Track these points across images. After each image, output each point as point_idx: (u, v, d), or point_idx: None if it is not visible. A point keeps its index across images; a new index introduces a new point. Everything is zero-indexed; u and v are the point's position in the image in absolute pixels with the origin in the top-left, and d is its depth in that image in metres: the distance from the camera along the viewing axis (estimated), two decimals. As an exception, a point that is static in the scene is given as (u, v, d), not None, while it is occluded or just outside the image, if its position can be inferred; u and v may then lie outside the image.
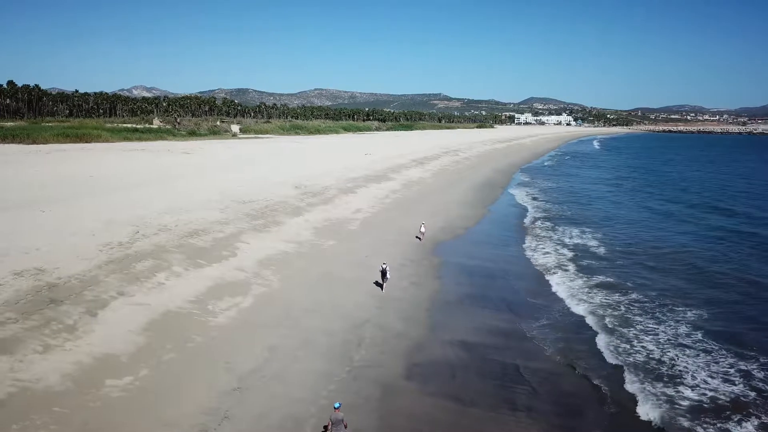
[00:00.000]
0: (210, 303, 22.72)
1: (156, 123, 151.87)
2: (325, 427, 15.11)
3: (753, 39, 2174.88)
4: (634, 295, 27.97)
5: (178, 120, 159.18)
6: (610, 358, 21.09)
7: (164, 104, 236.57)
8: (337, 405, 15.00)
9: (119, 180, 46.34)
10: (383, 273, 27.30)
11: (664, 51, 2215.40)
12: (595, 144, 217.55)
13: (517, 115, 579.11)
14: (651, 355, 21.24)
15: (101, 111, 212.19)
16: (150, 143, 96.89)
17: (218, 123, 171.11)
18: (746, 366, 20.50)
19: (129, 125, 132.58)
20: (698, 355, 21.29)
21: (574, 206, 56.86)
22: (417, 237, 37.68)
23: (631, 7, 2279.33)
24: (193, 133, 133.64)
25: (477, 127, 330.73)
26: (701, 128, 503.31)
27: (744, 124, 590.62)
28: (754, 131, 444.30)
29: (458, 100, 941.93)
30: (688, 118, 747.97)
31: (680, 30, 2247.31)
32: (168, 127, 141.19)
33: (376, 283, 27.84)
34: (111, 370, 16.77)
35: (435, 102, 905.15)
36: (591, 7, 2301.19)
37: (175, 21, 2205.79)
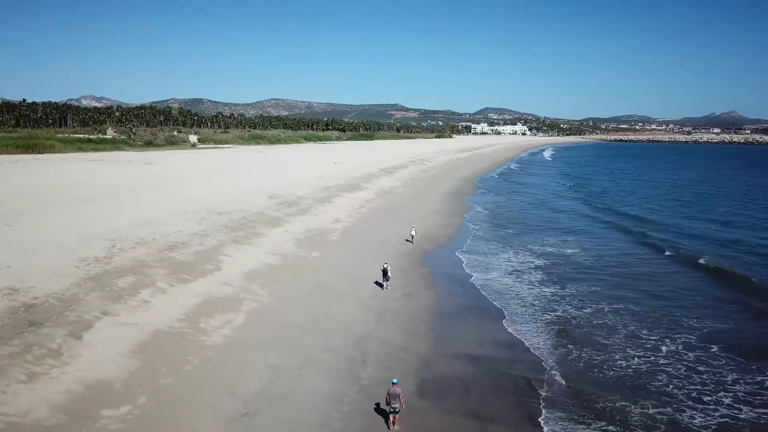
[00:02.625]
0: (201, 321, 21.29)
1: (110, 133, 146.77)
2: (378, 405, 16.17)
3: (695, 53, 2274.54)
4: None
5: (134, 130, 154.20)
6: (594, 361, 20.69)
7: (117, 114, 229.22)
8: (395, 381, 16.40)
9: (85, 192, 43.95)
10: (384, 272, 27.96)
11: (613, 63, 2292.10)
12: (547, 154, 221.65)
13: (473, 126, 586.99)
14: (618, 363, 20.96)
15: (50, 121, 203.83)
16: (107, 154, 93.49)
17: (175, 133, 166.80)
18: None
19: (82, 136, 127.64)
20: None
21: (540, 213, 57.10)
22: (407, 240, 38.78)
23: (580, 22, 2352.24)
24: (149, 144, 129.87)
25: (436, 137, 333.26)
26: (650, 137, 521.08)
27: (689, 133, 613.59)
28: (700, 140, 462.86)
29: (415, 110, 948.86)
30: (637, 127, 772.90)
31: (627, 43, 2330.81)
32: (123, 137, 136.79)
33: (377, 283, 27.90)
34: (105, 398, 15.25)
35: (392, 112, 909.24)
36: (543, 21, 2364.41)
37: (126, 30, 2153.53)
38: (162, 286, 23.61)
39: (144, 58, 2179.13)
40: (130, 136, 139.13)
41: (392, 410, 16.00)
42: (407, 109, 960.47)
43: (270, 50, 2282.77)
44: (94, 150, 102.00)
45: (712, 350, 22.45)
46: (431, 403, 17.75)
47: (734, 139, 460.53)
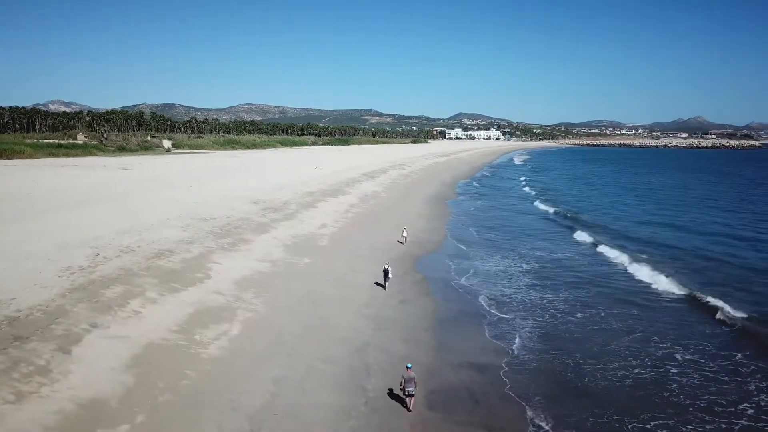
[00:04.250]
0: (196, 332, 20.33)
1: (81, 138, 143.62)
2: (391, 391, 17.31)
3: (662, 59, 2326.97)
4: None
5: (105, 135, 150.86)
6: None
7: (88, 119, 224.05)
8: (409, 366, 17.51)
9: (62, 198, 42.34)
10: (385, 273, 28.41)
11: (583, 69, 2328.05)
12: (524, 159, 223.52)
13: (448, 131, 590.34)
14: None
15: (18, 126, 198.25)
16: (79, 159, 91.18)
17: (148, 138, 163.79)
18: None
19: (52, 141, 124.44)
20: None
21: (524, 218, 57.10)
22: (399, 241, 39.66)
23: (551, 29, 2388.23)
24: (122, 149, 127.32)
25: (412, 142, 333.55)
26: (621, 142, 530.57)
27: (658, 137, 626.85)
28: (669, 144, 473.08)
29: (389, 115, 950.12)
30: (608, 132, 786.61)
31: (596, 50, 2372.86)
32: (94, 142, 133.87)
33: (377, 284, 27.91)
34: (101, 418, 14.28)
35: (367, 117, 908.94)
36: (514, 28, 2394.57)
37: (95, 33, 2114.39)
38: (152, 296, 22.56)
39: (113, 62, 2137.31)
40: (101, 141, 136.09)
41: (408, 394, 16.96)
42: (381, 115, 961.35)
43: (243, 55, 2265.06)
44: (66, 155, 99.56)
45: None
46: (441, 414, 17.13)
47: (702, 144, 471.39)
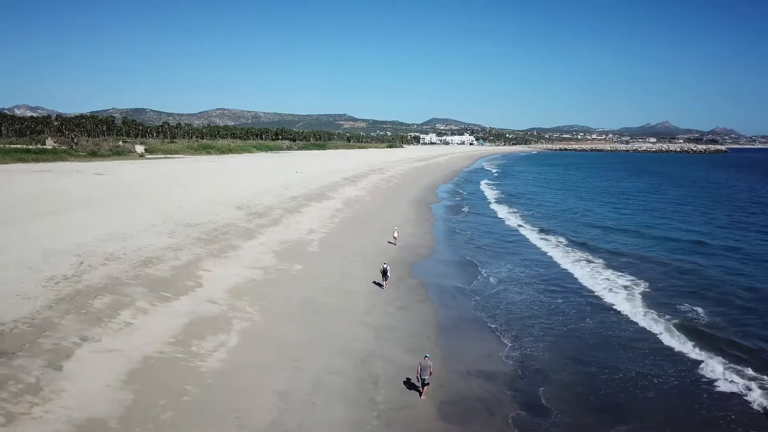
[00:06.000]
0: (193, 344, 19.26)
1: (50, 143, 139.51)
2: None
3: (630, 65, 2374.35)
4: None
5: (75, 140, 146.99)
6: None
7: (56, 123, 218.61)
8: (427, 355, 18.56)
9: (38, 204, 40.48)
10: (384, 272, 28.73)
11: (554, 75, 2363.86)
12: (500, 163, 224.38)
13: (422, 136, 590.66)
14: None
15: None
16: (51, 164, 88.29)
17: (120, 143, 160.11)
18: None
19: (19, 146, 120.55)
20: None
21: (510, 224, 56.88)
22: (390, 242, 40.22)
23: (521, 36, 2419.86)
24: (94, 154, 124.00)
25: (388, 147, 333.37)
26: (593, 146, 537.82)
27: (627, 142, 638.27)
28: (639, 149, 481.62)
29: (363, 120, 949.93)
30: (579, 137, 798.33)
31: (566, 55, 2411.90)
32: (64, 147, 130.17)
33: (376, 283, 27.83)
34: (101, 440, 13.18)
35: (341, 122, 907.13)
36: (486, 34, 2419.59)
37: (62, 36, 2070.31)
38: (143, 306, 21.38)
39: (81, 67, 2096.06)
40: (72, 146, 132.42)
41: (424, 382, 17.94)
42: (356, 119, 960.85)
43: (215, 59, 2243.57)
44: (36, 161, 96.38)
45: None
46: (458, 427, 16.44)
47: (671, 148, 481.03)
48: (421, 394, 17.98)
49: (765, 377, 20.01)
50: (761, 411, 17.95)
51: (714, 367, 20.81)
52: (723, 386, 19.52)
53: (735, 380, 19.86)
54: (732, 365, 21.08)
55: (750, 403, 18.43)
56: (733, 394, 19.06)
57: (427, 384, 17.99)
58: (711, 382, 19.89)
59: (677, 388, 19.44)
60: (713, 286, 32.25)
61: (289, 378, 18.04)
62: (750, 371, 20.51)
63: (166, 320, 20.65)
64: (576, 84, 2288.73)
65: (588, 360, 21.64)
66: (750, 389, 19.16)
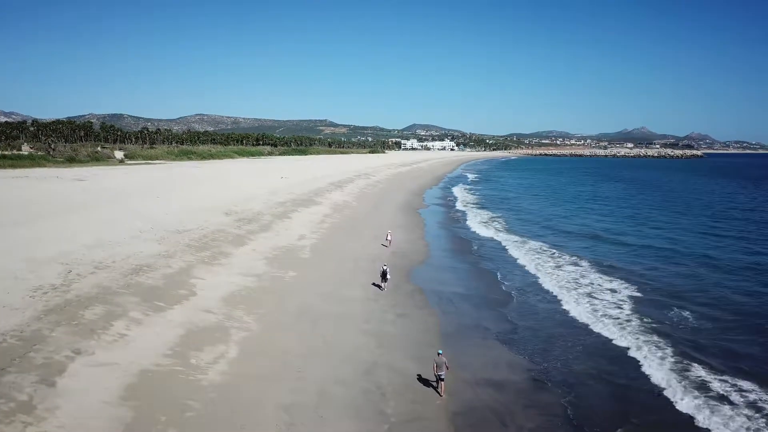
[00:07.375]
0: (191, 355, 18.44)
1: (26, 149, 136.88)
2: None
3: (607, 71, 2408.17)
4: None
5: (53, 146, 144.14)
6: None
7: (32, 129, 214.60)
8: (440, 351, 18.77)
9: (19, 211, 39.09)
10: (384, 274, 28.97)
11: (533, 80, 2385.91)
12: (483, 168, 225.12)
13: (403, 141, 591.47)
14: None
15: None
16: (28, 171, 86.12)
17: (99, 149, 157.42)
18: None
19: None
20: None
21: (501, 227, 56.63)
22: (383, 245, 40.77)
23: (500, 42, 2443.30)
24: (72, 160, 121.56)
25: (370, 152, 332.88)
26: (573, 152, 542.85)
27: (606, 147, 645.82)
28: (618, 154, 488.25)
29: (344, 126, 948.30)
30: (558, 142, 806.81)
31: (543, 61, 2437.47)
32: (41, 153, 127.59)
33: (374, 284, 27.83)
34: (102, 461, 12.35)
35: (321, 128, 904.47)
36: (464, 39, 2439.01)
37: (36, 40, 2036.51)
38: (136, 316, 20.49)
39: (56, 71, 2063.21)
40: (49, 152, 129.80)
41: (439, 378, 18.20)
42: (336, 125, 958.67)
43: (194, 65, 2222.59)
44: (12, 167, 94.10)
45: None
46: (472, 438, 15.83)
47: (648, 153, 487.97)
48: (439, 392, 18.18)
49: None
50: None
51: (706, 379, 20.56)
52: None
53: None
54: None
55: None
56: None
57: (443, 380, 18.17)
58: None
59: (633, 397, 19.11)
60: (711, 291, 32.26)
61: (293, 390, 17.31)
62: None
63: (161, 331, 19.80)
64: (555, 90, 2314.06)
65: (600, 374, 21.23)
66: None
